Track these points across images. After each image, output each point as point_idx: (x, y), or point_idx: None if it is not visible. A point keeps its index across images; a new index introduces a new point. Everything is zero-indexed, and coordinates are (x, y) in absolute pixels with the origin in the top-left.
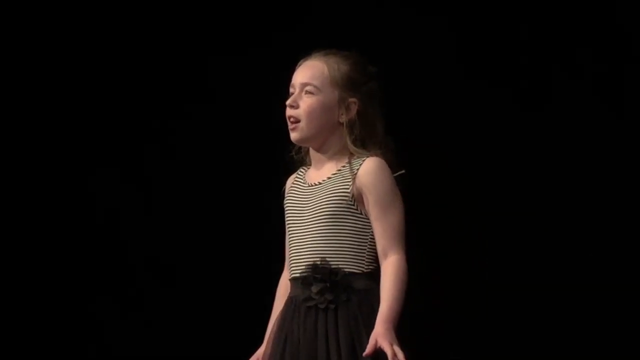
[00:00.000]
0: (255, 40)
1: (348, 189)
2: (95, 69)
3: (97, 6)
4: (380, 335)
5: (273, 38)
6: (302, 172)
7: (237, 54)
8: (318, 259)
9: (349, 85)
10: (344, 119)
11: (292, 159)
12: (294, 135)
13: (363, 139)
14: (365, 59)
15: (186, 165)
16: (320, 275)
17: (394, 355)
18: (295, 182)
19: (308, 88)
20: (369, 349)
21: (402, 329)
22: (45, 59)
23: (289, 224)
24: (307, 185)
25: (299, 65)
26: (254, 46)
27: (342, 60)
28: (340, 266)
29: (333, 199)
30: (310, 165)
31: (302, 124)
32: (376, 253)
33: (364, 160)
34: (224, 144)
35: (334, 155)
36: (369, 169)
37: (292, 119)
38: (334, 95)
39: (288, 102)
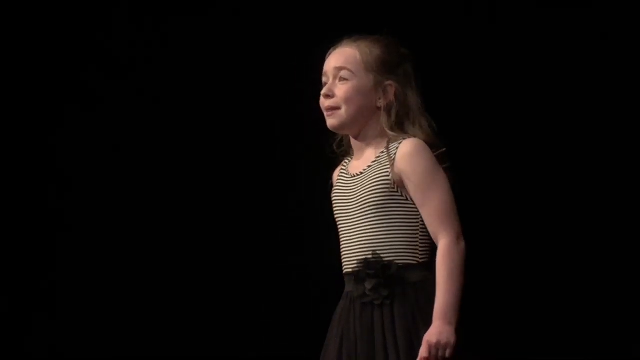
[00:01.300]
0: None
1: (388, 175)
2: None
3: None
4: (429, 334)
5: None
6: (346, 163)
7: (239, 54)
8: (370, 253)
9: (383, 68)
10: (381, 103)
11: (334, 153)
12: (331, 122)
13: (402, 121)
14: (397, 41)
15: (185, 165)
16: (373, 271)
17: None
18: (340, 174)
19: (342, 73)
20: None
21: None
22: None
23: (337, 218)
24: (350, 176)
25: (329, 54)
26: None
27: (373, 44)
28: (393, 259)
29: (375, 188)
30: (352, 155)
31: (341, 111)
32: (430, 240)
33: (400, 144)
34: (225, 144)
35: (373, 142)
36: (406, 152)
37: (329, 108)
38: (369, 80)
39: (323, 91)
